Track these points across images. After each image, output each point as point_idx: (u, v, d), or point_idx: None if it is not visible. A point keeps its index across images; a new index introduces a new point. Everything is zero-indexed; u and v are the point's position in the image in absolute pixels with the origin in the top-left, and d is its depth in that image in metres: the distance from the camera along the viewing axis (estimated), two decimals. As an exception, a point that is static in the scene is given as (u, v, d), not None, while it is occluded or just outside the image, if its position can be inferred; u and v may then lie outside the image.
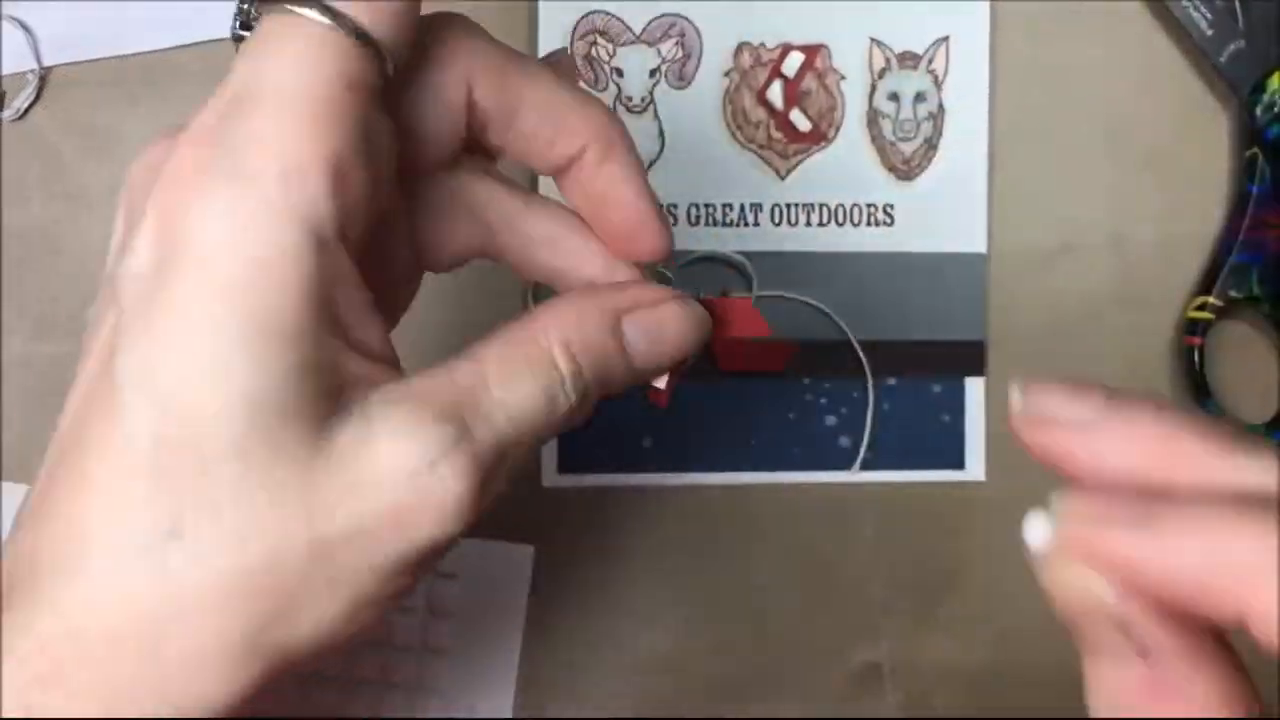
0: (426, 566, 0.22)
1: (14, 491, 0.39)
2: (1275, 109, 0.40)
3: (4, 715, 0.19)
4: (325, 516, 0.20)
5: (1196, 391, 0.41)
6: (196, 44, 0.39)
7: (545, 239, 0.26)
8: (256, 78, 0.21)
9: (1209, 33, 0.40)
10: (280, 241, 0.20)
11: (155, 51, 0.39)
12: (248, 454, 0.20)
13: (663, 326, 0.25)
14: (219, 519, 0.20)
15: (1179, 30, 0.41)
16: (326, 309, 0.21)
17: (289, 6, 0.21)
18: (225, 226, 0.20)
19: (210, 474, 0.20)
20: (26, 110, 0.39)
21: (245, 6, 0.22)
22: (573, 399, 0.23)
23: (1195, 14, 0.40)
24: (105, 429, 0.20)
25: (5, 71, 0.39)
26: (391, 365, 0.23)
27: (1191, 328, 0.41)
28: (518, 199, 0.26)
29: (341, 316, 0.21)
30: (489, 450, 0.22)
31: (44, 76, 0.39)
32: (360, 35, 0.21)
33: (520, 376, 0.23)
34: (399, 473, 0.21)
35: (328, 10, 0.21)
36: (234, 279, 0.20)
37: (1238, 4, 0.40)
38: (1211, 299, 0.41)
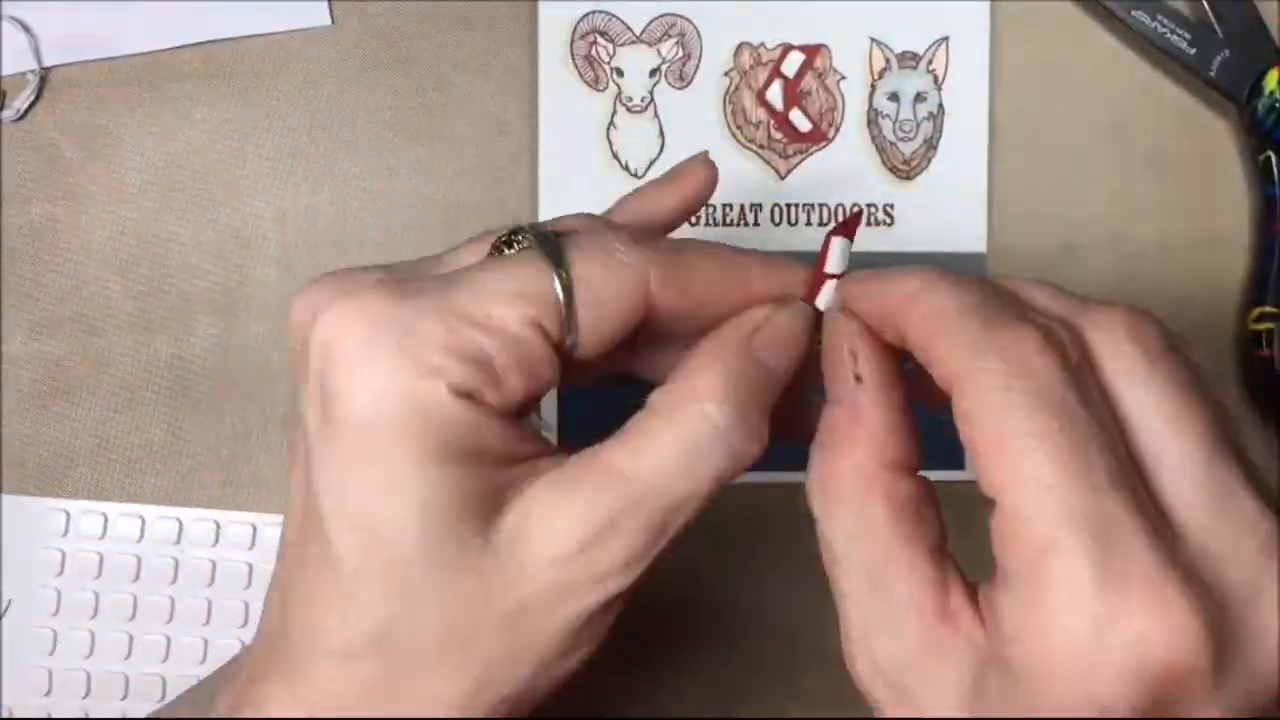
0: (605, 620, 0.25)
1: (14, 505, 0.39)
2: (1278, 107, 0.40)
3: None
4: (500, 596, 0.24)
5: None
6: (196, 44, 0.39)
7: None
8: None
9: (1191, 51, 0.40)
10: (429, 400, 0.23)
11: (155, 51, 0.39)
12: (432, 553, 0.23)
13: (784, 331, 0.27)
14: (420, 612, 0.23)
15: (1162, 56, 0.41)
16: (475, 436, 0.24)
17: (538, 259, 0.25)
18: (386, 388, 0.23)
19: (404, 574, 0.23)
20: (27, 110, 0.39)
21: (517, 238, 0.26)
22: (737, 440, 0.26)
23: (1172, 37, 0.40)
24: (317, 550, 0.24)
25: (5, 72, 0.39)
26: (545, 449, 0.25)
27: (1256, 340, 0.40)
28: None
29: (490, 443, 0.24)
30: (639, 520, 0.25)
31: (44, 77, 0.39)
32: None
33: (668, 443, 0.25)
34: (551, 557, 0.24)
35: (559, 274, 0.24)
36: (397, 422, 0.23)
37: (1212, 16, 0.40)
38: (1269, 308, 0.40)
